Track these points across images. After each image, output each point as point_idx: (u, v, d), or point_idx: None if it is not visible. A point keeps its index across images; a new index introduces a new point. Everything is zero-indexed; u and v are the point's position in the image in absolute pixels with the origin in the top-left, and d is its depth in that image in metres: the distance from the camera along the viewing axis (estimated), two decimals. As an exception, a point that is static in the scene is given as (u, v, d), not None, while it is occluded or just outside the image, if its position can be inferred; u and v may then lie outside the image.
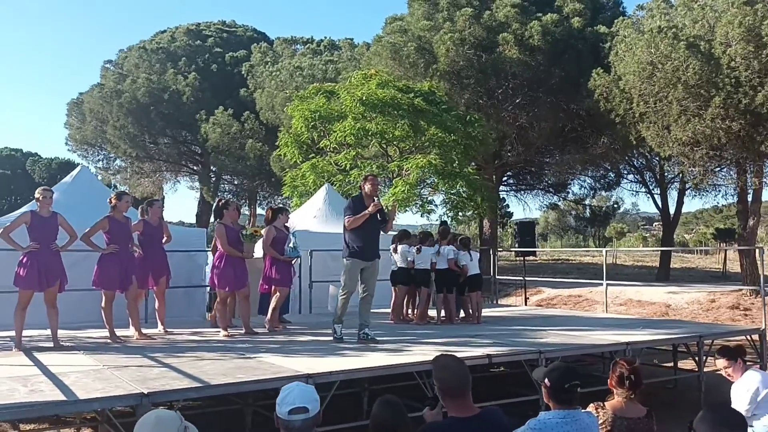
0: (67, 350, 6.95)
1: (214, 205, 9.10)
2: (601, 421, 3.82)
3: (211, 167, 33.02)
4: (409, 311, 10.20)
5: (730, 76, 15.69)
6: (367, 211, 7.29)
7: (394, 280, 9.88)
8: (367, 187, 7.53)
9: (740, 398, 4.92)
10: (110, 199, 7.85)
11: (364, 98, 15.18)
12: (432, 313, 10.02)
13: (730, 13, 15.87)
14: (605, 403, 3.95)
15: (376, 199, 7.48)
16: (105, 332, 7.71)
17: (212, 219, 8.82)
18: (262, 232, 8.68)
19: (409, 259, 9.70)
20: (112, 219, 7.59)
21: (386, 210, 7.85)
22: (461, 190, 15.52)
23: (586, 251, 42.14)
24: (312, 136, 16.79)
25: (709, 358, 8.54)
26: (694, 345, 8.19)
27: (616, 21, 20.38)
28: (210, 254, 8.98)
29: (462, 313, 10.22)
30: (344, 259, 7.53)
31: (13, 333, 7.05)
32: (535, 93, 21.06)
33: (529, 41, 19.78)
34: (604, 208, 52.27)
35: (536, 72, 20.26)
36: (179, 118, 30.46)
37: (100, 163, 35.00)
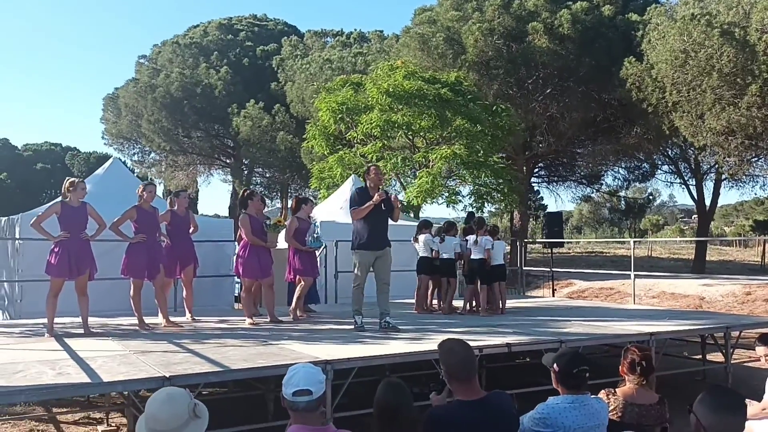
0: (96, 336, 7.14)
1: (239, 195, 9.24)
2: (612, 408, 3.81)
3: (243, 160, 33.40)
4: (434, 301, 10.21)
5: (766, 63, 15.34)
6: (371, 202, 7.35)
7: (418, 269, 9.93)
8: (371, 178, 7.61)
9: None
10: (138, 190, 8.05)
11: (390, 90, 15.20)
12: (458, 303, 10.03)
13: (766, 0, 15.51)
14: (616, 389, 3.94)
15: (380, 188, 7.55)
16: (134, 320, 7.90)
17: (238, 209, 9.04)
18: (286, 222, 8.78)
19: (433, 248, 9.71)
20: (140, 209, 7.79)
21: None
22: (487, 180, 15.45)
23: (620, 243, 41.57)
24: (339, 128, 16.88)
25: (737, 350, 8.45)
26: (721, 337, 8.05)
27: (648, 8, 20.06)
28: (236, 244, 9.12)
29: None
30: (354, 251, 7.61)
31: (45, 320, 7.28)
32: (565, 83, 20.83)
33: (558, 30, 19.56)
34: (640, 200, 51.45)
35: (566, 61, 20.02)
36: (212, 112, 30.86)
37: (136, 156, 35.70)
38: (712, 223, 63.27)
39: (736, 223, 60.53)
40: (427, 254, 9.77)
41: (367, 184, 7.69)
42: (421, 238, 9.79)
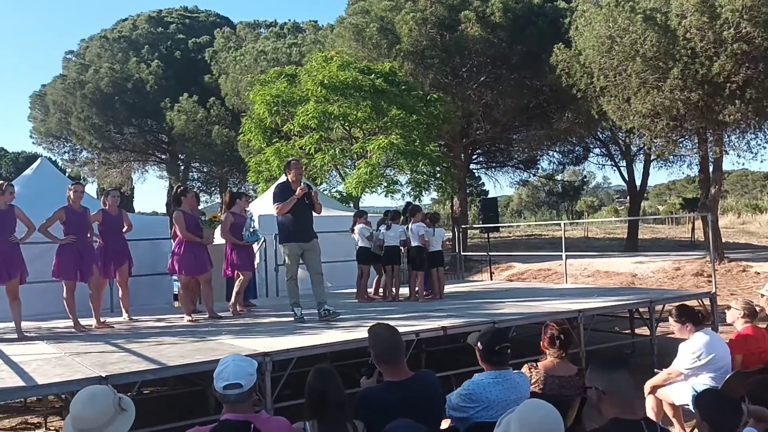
0: (30, 340, 7.01)
1: (173, 192, 9.18)
2: (533, 380, 4.03)
3: (179, 155, 32.82)
4: (380, 290, 10.33)
5: (686, 48, 15.99)
6: (294, 196, 7.50)
7: (357, 258, 10.06)
8: (291, 174, 7.75)
9: (683, 357, 5.13)
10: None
11: (325, 81, 15.22)
12: (403, 290, 10.19)
13: (684, -15, 16.14)
14: (538, 363, 4.16)
15: (302, 182, 7.70)
16: (69, 322, 7.78)
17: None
18: (221, 217, 8.76)
19: (375, 237, 9.85)
20: (69, 210, 7.64)
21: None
22: (424, 169, 15.68)
23: (558, 226, 42.65)
24: (275, 120, 16.80)
25: (661, 322, 8.89)
26: (646, 311, 8.47)
27: (575, -4, 20.59)
28: (172, 241, 9.05)
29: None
30: (282, 245, 7.77)
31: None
32: (498, 70, 21.23)
33: (490, 18, 19.92)
34: (575, 183, 52.90)
35: (499, 49, 20.42)
36: (144, 107, 30.18)
37: (66, 155, 34.61)
38: (645, 202, 65.67)
39: (669, 202, 62.84)
40: (365, 244, 9.91)
41: (289, 179, 7.78)
42: (357, 227, 9.91)
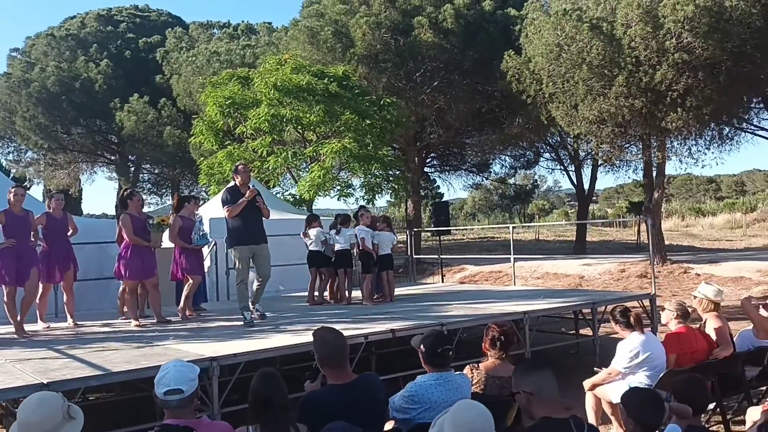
0: (-32, 348, 6.83)
1: (119, 195, 9.06)
2: (475, 381, 4.15)
3: (129, 156, 32.22)
4: (325, 293, 10.36)
5: (630, 56, 16.49)
6: (243, 199, 7.59)
7: (308, 262, 10.07)
8: (239, 178, 7.82)
9: (620, 356, 5.35)
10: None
11: (278, 84, 15.19)
12: (354, 293, 10.24)
13: (630, -5, 16.64)
14: (479, 364, 4.27)
15: (251, 186, 7.80)
16: (11, 327, 7.61)
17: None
18: (170, 221, 8.68)
19: (330, 242, 9.89)
20: (9, 213, 7.45)
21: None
22: (377, 173, 15.79)
23: (509, 229, 43.24)
24: (228, 123, 16.68)
25: (604, 323, 9.18)
26: (589, 312, 8.72)
27: (525, 4, 20.98)
28: (117, 245, 8.93)
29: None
30: (232, 249, 7.86)
31: None
32: (451, 75, 21.50)
33: (443, 24, 20.17)
34: (527, 187, 53.83)
35: (451, 55, 20.68)
36: (93, 107, 29.53)
37: (11, 155, 33.64)
38: (595, 205, 67.23)
39: (617, 205, 64.41)
40: (317, 248, 9.93)
41: (237, 182, 7.84)
42: (313, 231, 9.92)
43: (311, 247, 9.97)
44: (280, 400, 3.26)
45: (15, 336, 7.40)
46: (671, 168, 25.72)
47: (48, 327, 8.11)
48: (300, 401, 3.53)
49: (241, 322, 7.64)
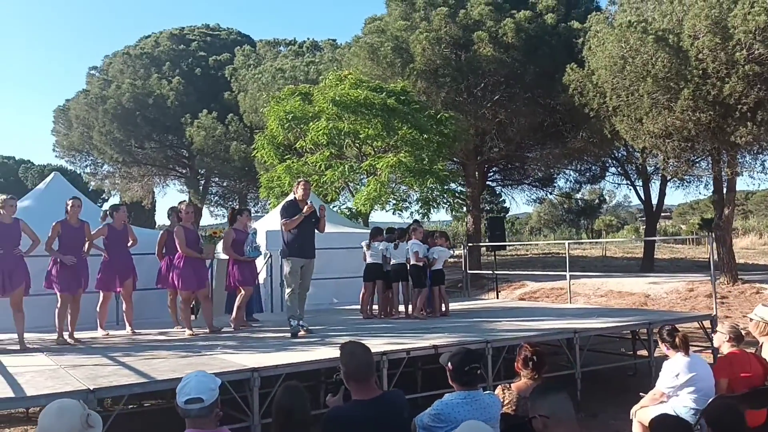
0: (31, 352, 7.18)
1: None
2: (506, 402, 4.07)
3: (198, 170, 33.23)
4: (375, 306, 10.39)
5: (698, 68, 15.93)
6: (301, 214, 7.87)
7: (366, 275, 10.10)
8: (299, 192, 8.13)
9: (663, 377, 5.17)
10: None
11: (336, 98, 15.41)
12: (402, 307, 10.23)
13: (698, 6, 16.11)
14: (511, 384, 4.19)
15: (309, 201, 8.03)
16: (78, 333, 8.01)
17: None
18: (222, 233, 8.92)
19: (386, 255, 9.92)
20: (65, 224, 7.77)
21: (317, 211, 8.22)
22: (432, 187, 15.76)
23: (577, 244, 42.35)
24: (288, 137, 17.01)
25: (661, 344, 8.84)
26: (645, 333, 8.43)
27: (589, 16, 20.60)
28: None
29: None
30: (285, 259, 8.05)
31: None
32: (512, 89, 21.25)
33: (503, 38, 19.99)
34: (595, 201, 52.56)
35: (512, 68, 20.46)
36: (165, 122, 30.66)
37: (88, 168, 35.19)
38: (668, 221, 64.88)
39: (690, 222, 62.11)
40: (377, 260, 9.96)
41: (297, 197, 8.12)
42: (378, 245, 9.94)
43: (370, 260, 10.00)
44: (302, 414, 3.29)
45: (72, 343, 7.74)
46: (745, 183, 24.65)
47: (107, 334, 8.44)
48: (324, 416, 3.55)
49: (289, 334, 7.77)
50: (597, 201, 49.42)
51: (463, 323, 8.70)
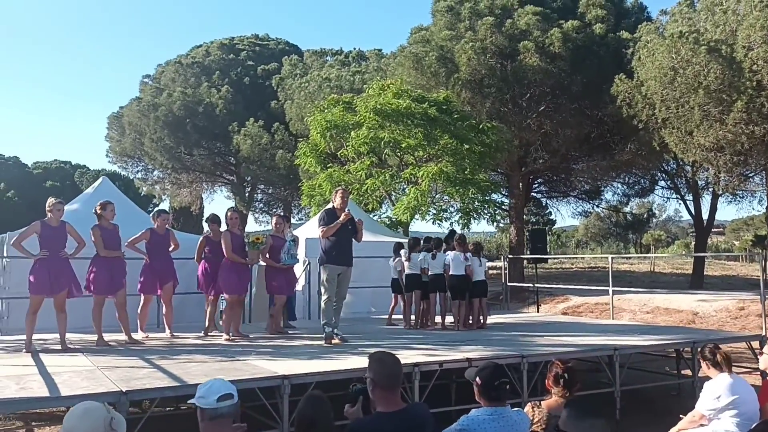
0: (71, 352, 7.34)
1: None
2: (536, 420, 3.95)
3: (245, 177, 33.72)
4: (412, 317, 10.32)
5: (752, 80, 15.46)
6: (338, 221, 7.90)
7: (407, 286, 10.05)
8: (338, 200, 8.15)
9: (703, 398, 4.98)
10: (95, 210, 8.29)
11: (378, 107, 15.43)
12: (445, 318, 10.14)
13: (752, 17, 15.65)
14: (541, 402, 4.08)
15: (347, 210, 8.04)
16: (114, 335, 8.15)
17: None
18: (264, 239, 8.99)
19: (423, 266, 9.86)
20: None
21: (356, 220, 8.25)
22: (472, 198, 15.62)
23: (626, 258, 41.40)
24: (330, 146, 17.13)
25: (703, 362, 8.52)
26: (689, 351, 8.15)
27: (639, 26, 20.21)
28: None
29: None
30: (322, 267, 8.09)
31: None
32: (558, 100, 20.97)
33: (550, 48, 19.75)
34: (644, 215, 51.40)
35: (558, 79, 20.19)
36: (213, 130, 31.24)
37: (139, 174, 36.04)
38: (721, 237, 62.91)
39: (743, 238, 60.22)
40: (416, 271, 9.91)
41: (335, 205, 8.14)
42: (418, 256, 9.89)
43: (409, 270, 9.95)
44: (325, 426, 3.25)
45: (112, 344, 7.88)
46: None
47: (147, 337, 8.59)
48: (347, 429, 3.50)
49: (323, 341, 7.77)
50: (646, 215, 48.25)
51: (499, 337, 8.56)
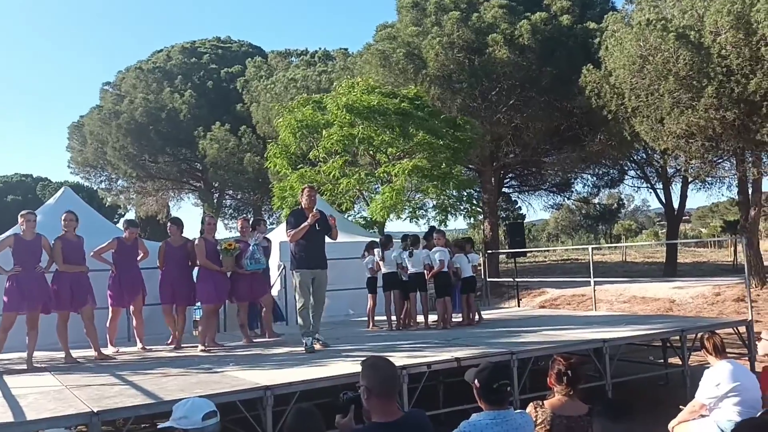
0: (38, 371, 6.91)
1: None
2: (539, 421, 3.72)
3: (212, 183, 33.13)
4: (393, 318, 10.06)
5: (721, 65, 15.49)
6: (306, 223, 7.45)
7: (385, 285, 9.78)
8: (304, 200, 7.73)
9: (703, 386, 4.81)
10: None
11: (349, 104, 15.12)
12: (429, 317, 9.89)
13: (719, 2, 15.69)
14: (544, 401, 3.83)
15: (314, 209, 7.63)
16: (84, 352, 7.74)
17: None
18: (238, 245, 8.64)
19: (398, 261, 9.60)
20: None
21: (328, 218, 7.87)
22: (450, 193, 15.40)
23: (597, 249, 41.65)
24: (301, 146, 16.76)
25: (694, 352, 8.41)
26: (677, 340, 8.02)
27: (605, 16, 20.21)
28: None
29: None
30: (293, 272, 7.65)
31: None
32: (528, 93, 20.90)
33: (518, 41, 19.66)
34: (614, 206, 51.85)
35: (528, 72, 20.12)
36: (178, 136, 30.59)
37: (103, 184, 35.18)
38: (688, 225, 63.81)
39: (711, 225, 61.18)
40: (392, 269, 9.64)
41: (302, 206, 7.73)
42: (390, 254, 9.63)
43: (385, 269, 9.69)
44: (315, 441, 2.97)
45: (80, 361, 7.48)
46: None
47: (117, 351, 8.18)
48: (341, 442, 3.21)
49: (302, 349, 7.44)
50: (615, 205, 48.68)
51: (484, 333, 8.33)
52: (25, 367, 7.09)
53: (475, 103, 20.89)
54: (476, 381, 3.46)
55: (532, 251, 36.33)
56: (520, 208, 48.83)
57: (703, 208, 72.39)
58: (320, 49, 32.63)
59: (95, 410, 4.68)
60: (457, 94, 20.36)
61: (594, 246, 18.87)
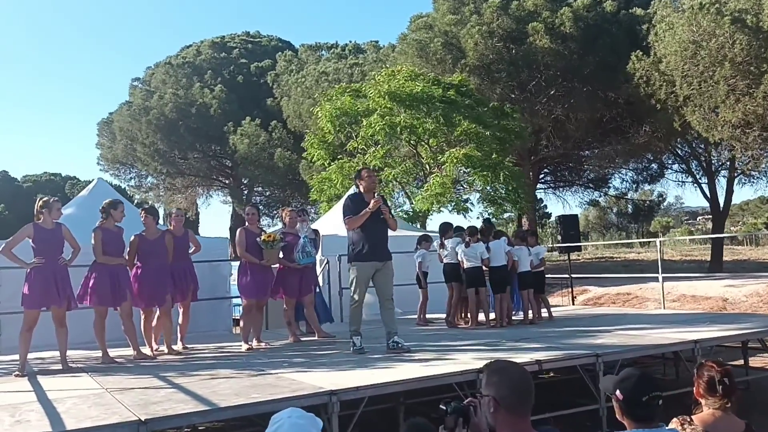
0: (74, 372, 6.38)
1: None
2: (689, 440, 3.04)
3: (242, 179, 32.79)
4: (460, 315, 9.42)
5: (781, 50, 14.68)
6: (368, 209, 6.49)
7: (446, 277, 9.13)
8: (364, 184, 6.77)
9: None
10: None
11: (392, 90, 14.44)
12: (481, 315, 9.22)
13: (778, -17, 14.87)
14: (693, 416, 3.15)
15: (376, 193, 6.69)
16: (121, 350, 7.21)
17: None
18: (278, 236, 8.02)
19: (459, 256, 8.89)
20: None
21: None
22: (499, 186, 14.67)
23: (629, 248, 40.68)
24: (339, 137, 16.17)
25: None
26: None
27: (653, 2, 19.38)
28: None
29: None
30: (350, 264, 6.75)
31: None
32: (569, 83, 20.16)
33: (560, 29, 18.94)
34: (647, 203, 50.60)
35: (570, 61, 19.37)
36: (208, 132, 30.28)
37: (132, 181, 35.08)
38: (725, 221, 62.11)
39: (747, 223, 59.61)
40: (453, 260, 8.97)
41: (361, 189, 6.80)
42: (449, 242, 8.97)
43: (446, 260, 9.02)
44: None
45: (120, 361, 6.95)
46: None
47: (157, 350, 7.62)
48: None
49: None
50: (650, 202, 47.45)
51: (554, 333, 7.64)
52: (60, 367, 6.56)
53: (514, 93, 20.20)
54: (618, 392, 2.78)
55: (587, 245, 35.35)
56: (546, 206, 47.89)
57: (733, 207, 70.47)
58: (351, 42, 32.15)
59: (143, 418, 4.10)
60: (497, 84, 19.71)
61: (651, 240, 18.00)
